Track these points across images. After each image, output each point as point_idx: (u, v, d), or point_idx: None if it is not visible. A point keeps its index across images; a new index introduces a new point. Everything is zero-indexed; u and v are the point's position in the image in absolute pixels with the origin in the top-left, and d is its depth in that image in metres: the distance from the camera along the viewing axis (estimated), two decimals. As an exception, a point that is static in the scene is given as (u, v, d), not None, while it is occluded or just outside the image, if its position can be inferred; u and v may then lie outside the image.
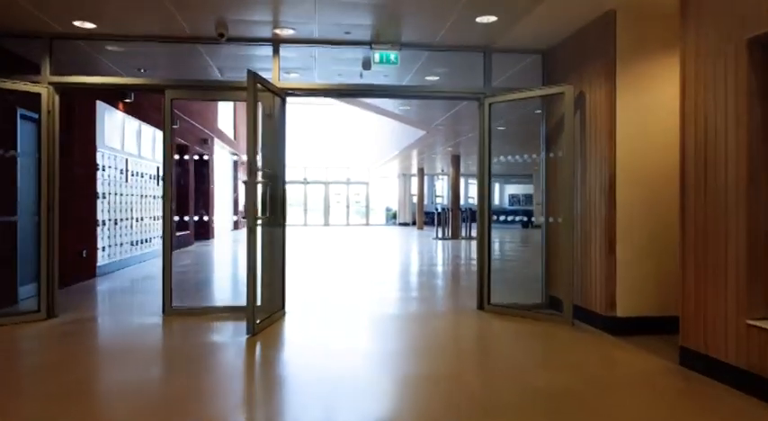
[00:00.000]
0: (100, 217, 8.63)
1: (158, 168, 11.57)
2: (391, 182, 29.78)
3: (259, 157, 5.10)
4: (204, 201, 16.65)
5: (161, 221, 12.69)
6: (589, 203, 5.09)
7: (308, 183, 28.45)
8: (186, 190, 14.32)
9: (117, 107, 9.34)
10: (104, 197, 8.78)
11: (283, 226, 5.75)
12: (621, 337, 4.62)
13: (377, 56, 5.54)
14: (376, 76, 6.45)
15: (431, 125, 11.52)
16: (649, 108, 4.76)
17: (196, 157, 15.08)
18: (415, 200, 29.84)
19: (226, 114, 19.32)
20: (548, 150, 5.89)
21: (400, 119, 11.41)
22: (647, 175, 4.75)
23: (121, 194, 9.53)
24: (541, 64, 5.99)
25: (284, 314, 5.58)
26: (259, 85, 5.21)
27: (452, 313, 5.74)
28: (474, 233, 18.20)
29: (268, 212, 5.23)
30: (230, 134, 21.26)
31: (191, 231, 14.55)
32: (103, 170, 8.76)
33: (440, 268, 10.24)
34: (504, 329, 5.02)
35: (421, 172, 24.75)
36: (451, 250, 14.29)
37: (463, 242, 16.96)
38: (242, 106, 23.48)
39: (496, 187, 46.37)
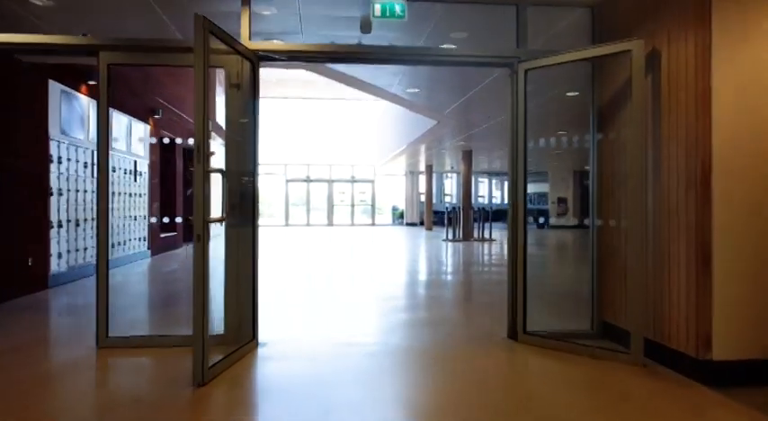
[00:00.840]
0: (54, 217, 7.34)
1: (135, 163, 10.28)
2: (398, 180, 28.44)
3: (219, 143, 3.76)
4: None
5: (142, 221, 11.48)
6: (668, 201, 3.72)
7: (311, 181, 27.17)
8: (173, 188, 13.03)
9: (78, 90, 8.04)
10: (61, 194, 7.48)
11: (254, 230, 4.43)
12: (722, 391, 3.26)
13: (377, 7, 4.19)
14: (378, 41, 5.13)
15: (442, 113, 10.17)
16: (761, 69, 3.40)
17: (181, 151, 13.78)
18: (423, 199, 28.49)
19: (220, 107, 18.09)
20: (600, 131, 4.53)
21: (408, 105, 10.07)
22: (758, 165, 3.39)
23: (85, 191, 8.23)
24: (590, 20, 4.62)
25: (257, 346, 4.25)
26: (221, 45, 3.90)
27: (477, 345, 4.38)
28: (487, 234, 16.82)
29: (226, 212, 3.92)
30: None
31: (178, 233, 13.25)
32: (59, 163, 7.46)
33: (454, 277, 8.88)
34: (551, 374, 3.67)
35: (429, 169, 23.39)
36: (465, 254, 12.93)
37: (476, 244, 15.58)
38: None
39: (505, 185, 44.98)
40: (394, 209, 29.21)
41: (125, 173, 9.74)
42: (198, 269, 3.42)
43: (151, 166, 11.19)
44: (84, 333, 4.63)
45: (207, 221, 3.49)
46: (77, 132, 7.93)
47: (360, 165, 27.40)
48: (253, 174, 4.43)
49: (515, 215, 4.51)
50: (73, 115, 7.81)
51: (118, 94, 9.53)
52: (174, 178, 13.07)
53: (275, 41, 4.26)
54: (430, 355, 4.14)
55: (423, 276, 8.95)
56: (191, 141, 3.71)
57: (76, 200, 7.91)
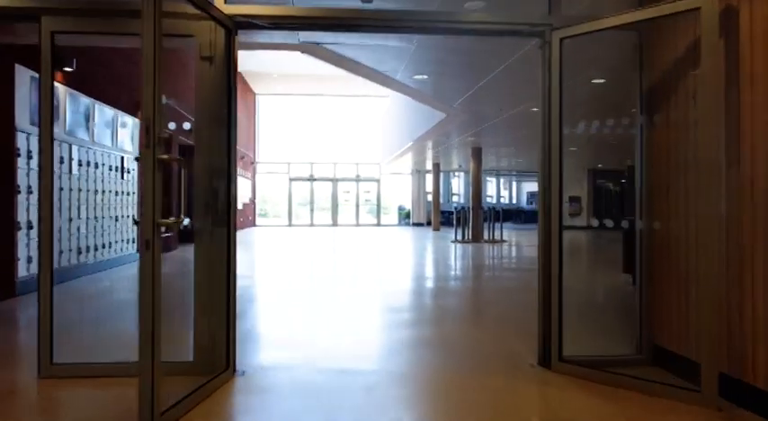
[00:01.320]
0: (23, 217, 6.60)
1: (123, 159, 9.55)
2: (404, 179, 27.66)
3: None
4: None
5: (129, 221, 10.72)
6: (751, 195, 2.93)
7: (314, 180, 26.43)
8: (168, 185, 12.24)
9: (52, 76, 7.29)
10: (31, 192, 6.75)
11: (230, 236, 3.67)
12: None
13: (380, -37, 3.42)
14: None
15: (451, 105, 9.38)
16: None
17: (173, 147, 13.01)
18: (430, 198, 27.69)
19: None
20: (650, 114, 3.74)
21: (415, 95, 9.28)
22: None
23: (61, 188, 7.50)
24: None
25: (234, 376, 3.48)
26: (189, 7, 3.15)
27: (502, 375, 3.60)
28: (498, 236, 16.01)
29: (185, 212, 3.17)
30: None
31: (173, 233, 12.51)
32: (29, 157, 6.72)
33: (467, 284, 8.09)
34: (598, 418, 2.89)
35: (436, 167, 22.59)
36: (476, 257, 12.14)
37: (486, 246, 14.78)
38: (238, 95, 21.52)
39: (513, 185, 44.12)
40: (400, 208, 28.44)
41: (110, 170, 9.00)
42: (146, 283, 2.66)
43: (143, 163, 10.44)
44: (33, 356, 3.88)
45: (158, 224, 2.72)
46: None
47: (365, 164, 26.65)
48: (228, 165, 3.66)
49: (549, 219, 3.74)
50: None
51: (101, 84, 8.81)
52: (170, 176, 12.31)
53: (256, 5, 3.50)
54: (442, 389, 3.36)
55: (431, 283, 8.17)
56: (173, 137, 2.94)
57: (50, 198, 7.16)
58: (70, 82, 7.67)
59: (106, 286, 7.56)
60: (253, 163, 25.04)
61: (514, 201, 43.90)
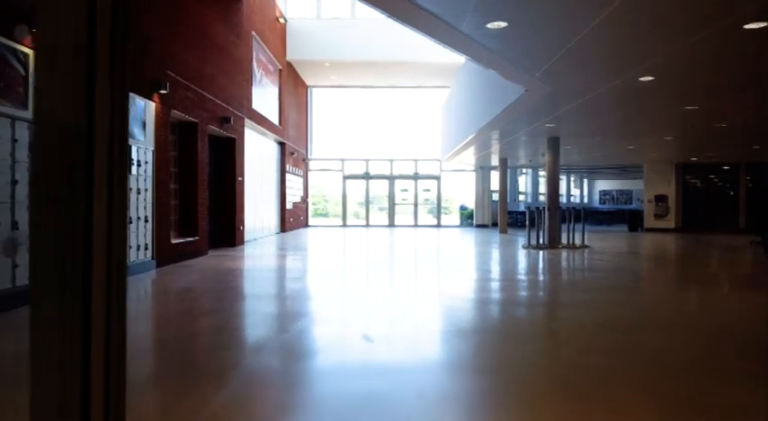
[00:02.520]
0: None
1: (130, 148, 7.99)
2: (466, 176, 25.48)
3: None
4: (227, 196, 13.11)
5: (144, 223, 9.19)
6: None
7: (370, 177, 24.67)
8: (194, 182, 10.76)
9: (13, 38, 5.73)
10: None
11: (116, 278, 1.76)
12: None
13: None
14: None
15: (533, 73, 7.27)
16: None
17: (204, 140, 11.48)
18: (494, 197, 25.39)
19: (266, 96, 15.85)
20: None
21: (485, 58, 7.22)
22: None
23: (15, 182, 5.98)
24: None
25: None
26: None
27: None
28: (578, 240, 13.66)
29: None
30: (273, 118, 17.74)
31: (201, 237, 10.97)
32: (-19, 141, 5.18)
33: (567, 315, 6.00)
34: None
35: (503, 163, 20.33)
36: (560, 269, 9.95)
37: (567, 253, 12.50)
38: (288, 87, 20.07)
39: (584, 183, 40.92)
40: (462, 208, 26.28)
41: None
42: None
43: (159, 155, 8.91)
44: None
45: None
46: (12, 100, 5.65)
47: (424, 161, 24.67)
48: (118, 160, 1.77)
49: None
50: (3, 76, 5.53)
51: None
52: (196, 169, 10.80)
53: None
54: None
55: (513, 309, 6.12)
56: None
57: (13, 195, 5.63)
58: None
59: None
60: (305, 160, 23.56)
61: (585, 200, 40.80)
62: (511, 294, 6.99)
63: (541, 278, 8.71)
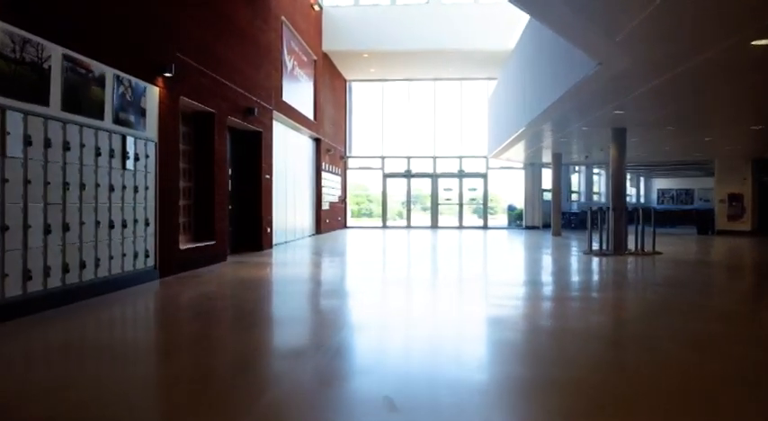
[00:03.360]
0: None
1: (125, 140, 6.85)
2: (515, 174, 23.75)
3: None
4: (252, 195, 11.95)
5: (142, 227, 7.11)
6: None
7: (411, 176, 23.26)
8: (210, 179, 9.62)
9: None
10: None
11: None
12: None
13: None
14: None
15: (614, 37, 5.72)
16: None
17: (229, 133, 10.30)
18: (546, 196, 23.57)
19: (299, 88, 14.64)
20: None
21: (550, 18, 5.74)
22: None
23: (26, 181, 4.87)
24: None
25: None
26: None
27: None
28: (648, 246, 11.90)
29: None
30: (307, 113, 16.55)
31: (219, 242, 9.83)
32: None
33: (670, 358, 4.46)
34: None
35: (557, 159, 18.58)
36: (637, 284, 8.33)
37: (639, 261, 10.79)
38: (324, 81, 18.82)
39: (641, 181, 38.35)
40: (510, 208, 24.55)
41: (98, 154, 6.31)
42: None
43: (164, 148, 7.77)
44: None
45: None
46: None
47: (469, 158, 23.08)
48: None
49: None
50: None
51: (89, 33, 6.12)
52: (213, 165, 9.64)
53: None
54: None
55: (595, 348, 4.62)
56: None
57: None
58: (19, 20, 4.95)
59: (54, 342, 4.75)
60: (343, 157, 22.35)
61: (642, 199, 38.25)
62: (587, 322, 5.47)
63: (618, 297, 7.12)
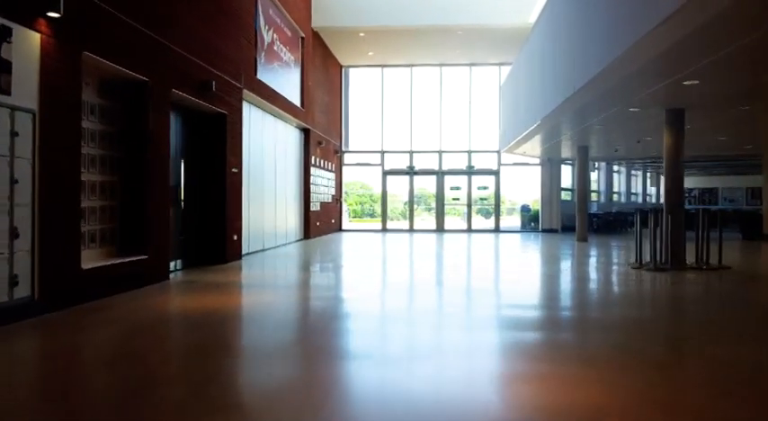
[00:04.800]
0: None
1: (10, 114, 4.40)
2: (528, 171, 21.24)
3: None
4: (213, 194, 9.50)
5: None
6: None
7: (415, 172, 20.78)
8: (140, 172, 7.15)
9: None
10: None
11: None
12: None
13: None
14: None
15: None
16: None
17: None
18: (565, 196, 21.06)
19: (282, 68, 12.12)
20: None
21: None
22: None
23: None
24: None
25: None
26: None
27: None
28: (710, 256, 9.40)
29: None
30: (292, 97, 14.10)
31: (156, 254, 7.39)
32: None
33: None
34: None
35: (583, 152, 16.05)
36: (746, 326, 5.81)
37: (707, 280, 8.29)
38: (316, 64, 16.24)
39: (660, 179, 35.75)
40: (525, 209, 22.04)
41: None
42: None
43: (51, 123, 5.32)
44: None
45: None
46: None
47: (479, 153, 20.58)
48: None
49: None
50: None
51: None
52: (144, 152, 7.18)
53: None
54: None
55: None
56: None
57: None
58: None
59: None
60: (337, 152, 19.88)
61: (662, 199, 35.66)
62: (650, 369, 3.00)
63: (726, 352, 4.63)
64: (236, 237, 10.06)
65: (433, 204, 21.29)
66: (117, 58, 6.37)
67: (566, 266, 10.45)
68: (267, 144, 12.66)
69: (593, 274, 9.33)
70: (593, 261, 11.36)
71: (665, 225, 9.37)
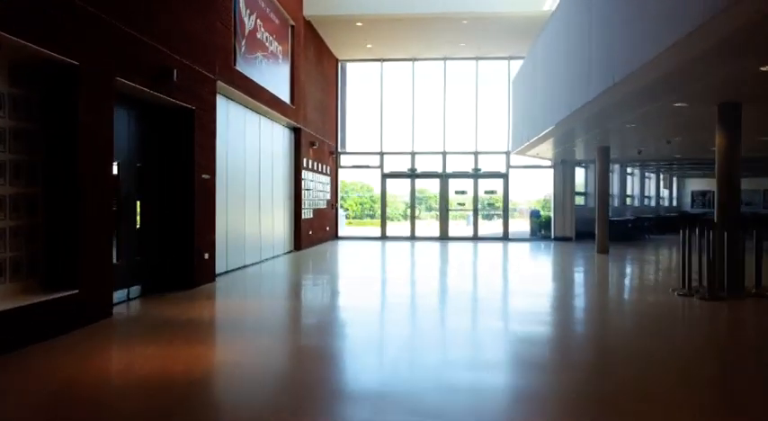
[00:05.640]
0: None
1: None
2: (540, 174, 19.70)
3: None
4: (178, 205, 7.94)
5: None
6: None
7: (416, 175, 19.23)
8: (73, 181, 5.57)
9: None
10: None
11: None
12: None
13: None
14: None
15: None
16: None
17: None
18: (578, 201, 19.53)
19: (268, 59, 10.53)
20: None
21: None
22: None
23: None
24: None
25: None
26: None
27: None
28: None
29: None
30: (280, 93, 12.57)
31: (92, 285, 5.83)
32: None
33: None
34: None
35: (603, 153, 14.48)
36: None
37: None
38: (308, 56, 14.62)
39: (674, 182, 34.24)
40: (535, 215, 20.48)
41: None
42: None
43: None
44: None
45: None
46: None
47: (486, 154, 19.02)
48: None
49: None
50: None
51: None
52: (74, 157, 5.62)
53: None
54: None
55: None
56: None
57: None
58: None
59: None
60: (333, 153, 18.33)
61: (674, 202, 34.17)
62: None
63: None
64: (207, 256, 8.51)
65: (436, 208, 19.72)
66: (33, 35, 4.82)
67: (597, 294, 8.91)
68: (250, 145, 11.11)
69: (635, 306, 7.77)
70: (626, 284, 9.81)
71: (713, 240, 7.77)
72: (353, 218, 22.46)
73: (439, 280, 10.16)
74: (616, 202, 23.95)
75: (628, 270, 11.41)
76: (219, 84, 9.04)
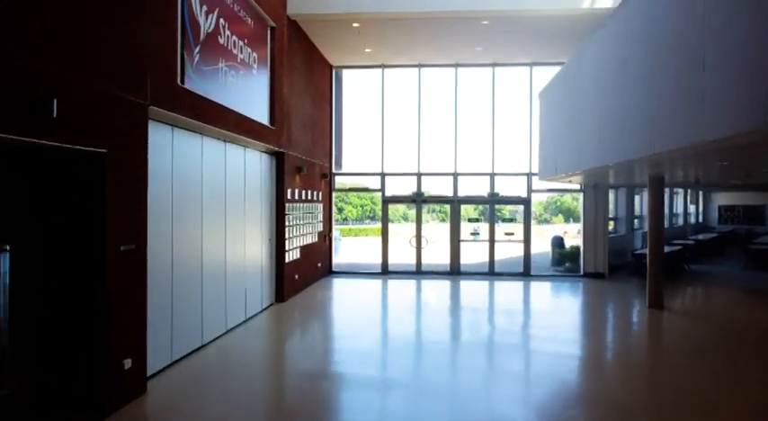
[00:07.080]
0: None
1: None
2: (566, 199, 16.96)
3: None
4: (84, 293, 5.16)
5: None
6: None
7: (423, 201, 16.56)
8: None
9: None
10: None
11: None
12: None
13: None
14: None
15: None
16: None
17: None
18: (614, 227, 16.85)
19: (237, 73, 7.85)
20: None
21: None
22: None
23: None
24: None
25: None
26: None
27: None
28: None
29: None
30: (256, 114, 9.88)
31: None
32: None
33: None
34: None
35: (658, 183, 11.74)
36: None
37: None
38: (295, 65, 11.86)
39: (700, 196, 31.61)
40: (557, 244, 17.84)
41: None
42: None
43: None
44: None
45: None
46: None
47: (504, 176, 16.35)
48: None
49: None
50: None
51: None
52: None
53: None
54: None
55: None
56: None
57: None
58: None
59: None
60: (326, 176, 15.67)
61: (700, 218, 31.54)
62: None
63: None
64: (129, 363, 5.84)
65: (446, 237, 17.03)
66: None
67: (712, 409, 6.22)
68: (212, 182, 8.46)
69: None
70: (728, 389, 7.11)
71: None
72: (354, 220, 20.05)
73: (443, 303, 7.49)
74: (645, 226, 21.29)
75: (706, 345, 8.69)
76: (154, 110, 6.39)
